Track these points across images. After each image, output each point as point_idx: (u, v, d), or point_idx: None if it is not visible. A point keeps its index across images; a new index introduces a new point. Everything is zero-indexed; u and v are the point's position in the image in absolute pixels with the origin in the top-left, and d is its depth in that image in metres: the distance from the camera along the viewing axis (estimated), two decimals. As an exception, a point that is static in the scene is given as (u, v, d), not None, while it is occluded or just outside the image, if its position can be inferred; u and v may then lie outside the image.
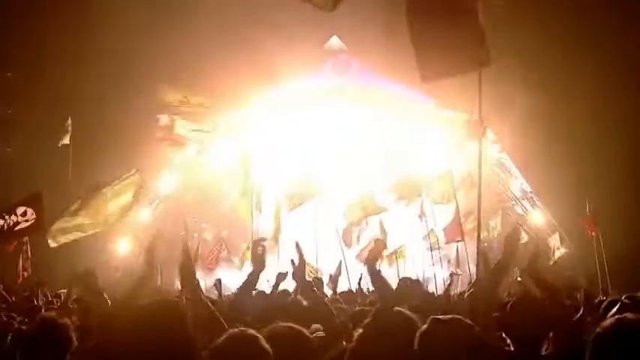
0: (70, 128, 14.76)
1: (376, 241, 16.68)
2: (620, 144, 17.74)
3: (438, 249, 17.97)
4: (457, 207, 16.82)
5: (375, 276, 3.59)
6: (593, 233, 15.84)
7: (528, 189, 23.20)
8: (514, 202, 23.75)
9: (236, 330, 2.56)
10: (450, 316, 2.75)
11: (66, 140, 14.90)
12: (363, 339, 3.23)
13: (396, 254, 17.77)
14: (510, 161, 23.23)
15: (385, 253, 17.96)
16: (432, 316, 2.77)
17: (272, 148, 22.67)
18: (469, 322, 2.76)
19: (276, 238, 17.89)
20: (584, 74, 17.70)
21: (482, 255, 4.22)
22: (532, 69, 18.38)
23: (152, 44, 18.17)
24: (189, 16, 18.81)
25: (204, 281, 20.05)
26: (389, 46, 20.15)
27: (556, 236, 19.36)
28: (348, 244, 17.82)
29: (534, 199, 22.93)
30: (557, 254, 19.24)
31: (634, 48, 17.36)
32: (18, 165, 17.32)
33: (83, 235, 10.61)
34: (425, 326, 2.73)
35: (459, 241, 17.04)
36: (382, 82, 23.52)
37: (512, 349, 3.45)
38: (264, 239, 4.30)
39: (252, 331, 2.54)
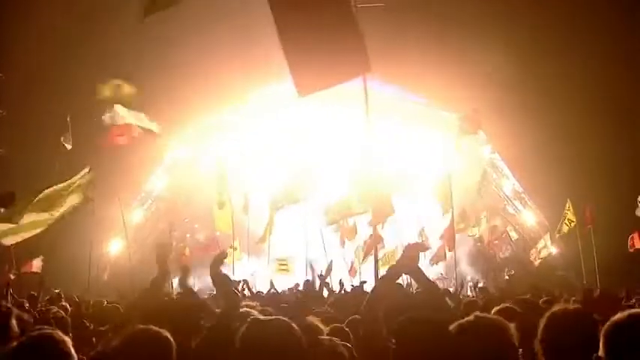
0: (69, 127, 14.47)
1: (371, 235, 16.61)
2: (611, 143, 17.84)
3: (429, 249, 18.05)
4: (452, 213, 16.90)
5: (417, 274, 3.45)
6: (590, 227, 16.07)
7: (520, 189, 23.34)
8: (506, 202, 23.92)
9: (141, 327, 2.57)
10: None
11: (68, 141, 14.55)
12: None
13: (387, 256, 17.88)
14: (502, 162, 23.36)
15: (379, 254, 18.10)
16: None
17: (260, 149, 22.75)
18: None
19: (263, 239, 17.96)
20: (575, 75, 17.79)
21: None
22: (523, 70, 18.46)
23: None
24: (179, 16, 18.72)
25: (194, 280, 20.19)
26: (383, 46, 20.20)
27: (547, 236, 19.50)
28: (342, 243, 17.87)
29: (526, 199, 23.07)
30: (544, 253, 19.40)
31: (627, 48, 17.47)
32: (9, 165, 17.19)
33: (34, 233, 10.56)
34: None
35: (450, 250, 17.17)
36: (374, 83, 23.50)
37: None
38: (170, 243, 4.19)
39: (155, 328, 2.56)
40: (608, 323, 2.30)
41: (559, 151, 18.40)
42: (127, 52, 18.06)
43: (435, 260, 17.41)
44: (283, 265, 17.37)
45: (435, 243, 18.24)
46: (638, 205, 15.59)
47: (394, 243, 18.10)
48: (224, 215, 17.42)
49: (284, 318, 2.55)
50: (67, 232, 15.20)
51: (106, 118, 13.62)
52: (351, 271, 18.25)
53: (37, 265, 14.72)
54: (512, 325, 2.45)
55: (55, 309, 6.43)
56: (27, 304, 8.06)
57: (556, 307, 2.67)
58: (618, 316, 2.31)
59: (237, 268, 17.03)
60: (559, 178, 18.16)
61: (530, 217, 22.51)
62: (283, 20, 4.90)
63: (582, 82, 17.70)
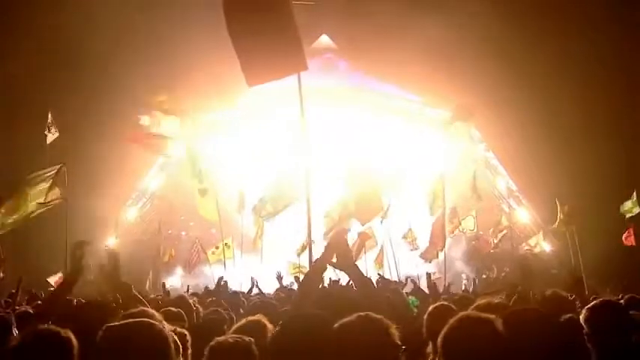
0: (52, 123, 14.36)
1: (361, 233, 16.71)
2: (603, 142, 17.93)
3: (417, 248, 18.17)
4: (444, 211, 16.94)
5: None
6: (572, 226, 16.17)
7: (514, 187, 23.41)
8: (500, 200, 23.99)
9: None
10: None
11: (51, 136, 14.52)
12: None
13: (381, 254, 17.94)
14: (496, 160, 23.44)
15: (373, 250, 18.16)
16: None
17: (254, 150, 22.73)
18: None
19: (255, 242, 17.94)
20: (569, 74, 17.87)
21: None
22: (517, 70, 18.54)
23: (133, 46, 18.08)
24: (172, 16, 18.70)
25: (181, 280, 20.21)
26: (378, 44, 20.26)
27: (540, 234, 19.57)
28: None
29: (520, 197, 23.15)
30: (537, 250, 19.48)
31: (621, 48, 17.56)
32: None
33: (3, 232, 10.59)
34: None
35: (441, 249, 17.22)
36: (369, 82, 23.56)
37: None
38: (86, 242, 4.08)
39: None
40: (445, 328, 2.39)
41: (552, 149, 18.48)
42: (123, 49, 18.07)
43: (428, 258, 17.43)
44: (296, 269, 17.23)
45: (423, 242, 18.35)
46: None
47: (381, 241, 18.23)
48: (207, 203, 17.08)
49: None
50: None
51: (145, 120, 14.00)
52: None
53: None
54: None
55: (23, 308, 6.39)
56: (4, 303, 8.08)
57: (465, 311, 2.75)
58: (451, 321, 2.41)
59: (231, 266, 17.02)
60: (552, 177, 18.24)
61: (524, 215, 22.59)
62: (232, 12, 5.21)
63: (578, 81, 17.79)
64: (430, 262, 17.41)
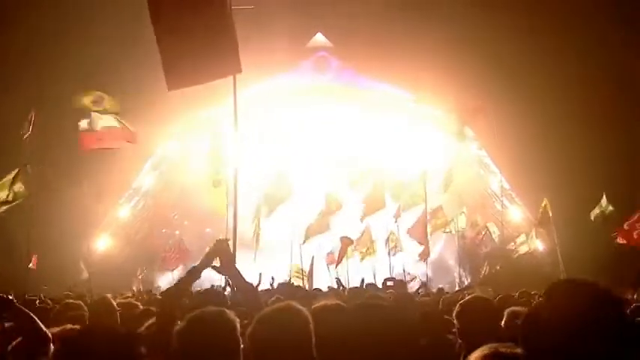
0: (32, 121, 13.85)
1: (342, 238, 16.90)
2: (595, 143, 18.02)
3: (399, 251, 18.25)
4: (425, 209, 17.05)
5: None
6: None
7: (507, 186, 23.46)
8: (493, 199, 24.05)
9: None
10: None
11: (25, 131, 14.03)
12: None
13: (368, 251, 18.03)
14: (489, 158, 23.50)
15: (357, 249, 18.26)
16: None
17: (248, 149, 22.73)
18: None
19: (256, 243, 17.96)
20: (563, 73, 17.94)
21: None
22: (511, 69, 18.60)
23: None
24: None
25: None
26: (374, 43, 20.29)
27: (532, 233, 19.62)
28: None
29: (513, 195, 23.21)
30: (523, 249, 19.57)
31: (614, 48, 17.63)
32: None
33: None
34: None
35: (421, 244, 17.34)
36: (362, 80, 23.60)
37: None
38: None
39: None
40: None
41: (546, 148, 18.57)
42: (117, 46, 18.03)
43: (422, 257, 17.51)
44: (298, 274, 17.29)
45: (406, 242, 18.47)
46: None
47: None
48: (220, 194, 17.17)
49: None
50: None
51: (83, 123, 13.51)
52: (328, 259, 18.26)
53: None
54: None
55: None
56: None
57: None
58: None
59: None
60: (545, 176, 18.32)
61: (516, 214, 22.65)
62: (158, 15, 5.09)
63: (573, 79, 17.87)
64: (425, 261, 17.54)
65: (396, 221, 18.12)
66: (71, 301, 5.02)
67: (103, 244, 20.59)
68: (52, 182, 15.82)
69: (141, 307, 5.21)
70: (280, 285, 11.13)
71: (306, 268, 16.14)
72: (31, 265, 14.41)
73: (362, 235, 18.04)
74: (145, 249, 21.55)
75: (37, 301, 7.25)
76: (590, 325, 1.77)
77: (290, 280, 15.07)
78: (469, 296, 4.00)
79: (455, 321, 3.61)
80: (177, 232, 23.93)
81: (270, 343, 2.37)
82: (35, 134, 13.39)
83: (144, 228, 22.63)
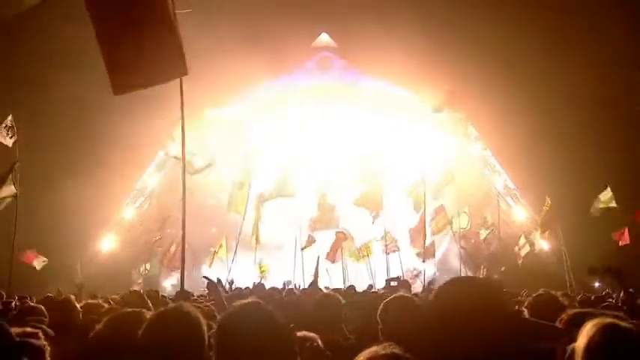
0: (11, 124, 12.82)
1: (338, 233, 16.93)
2: (601, 142, 17.96)
3: (396, 250, 18.22)
4: (424, 213, 17.04)
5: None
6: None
7: (512, 185, 23.40)
8: (498, 198, 23.99)
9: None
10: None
11: (9, 140, 12.91)
12: None
13: (364, 250, 18.03)
14: (494, 158, 23.44)
15: (353, 248, 18.28)
16: None
17: (254, 146, 22.75)
18: None
19: (257, 239, 17.99)
20: (567, 73, 17.89)
21: None
22: (512, 68, 18.56)
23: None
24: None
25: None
26: (379, 44, 20.26)
27: (538, 233, 19.53)
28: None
29: (517, 195, 23.15)
30: (525, 250, 19.49)
31: (613, 47, 17.57)
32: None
33: None
34: None
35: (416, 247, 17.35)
36: (366, 80, 23.58)
37: None
38: None
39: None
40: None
41: (550, 147, 18.51)
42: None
43: (425, 257, 17.48)
44: (263, 270, 17.46)
45: (403, 242, 18.44)
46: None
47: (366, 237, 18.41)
48: (241, 197, 17.31)
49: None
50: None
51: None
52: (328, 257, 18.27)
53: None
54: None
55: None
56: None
57: None
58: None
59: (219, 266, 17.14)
60: (550, 175, 18.26)
61: (521, 213, 22.59)
62: (101, 18, 5.05)
63: (573, 79, 17.81)
64: (424, 261, 17.53)
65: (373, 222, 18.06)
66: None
67: (107, 244, 20.66)
68: (51, 182, 15.94)
69: (106, 306, 5.39)
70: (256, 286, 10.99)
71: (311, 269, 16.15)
72: (34, 262, 14.44)
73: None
74: (149, 249, 21.56)
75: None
76: (469, 322, 1.85)
77: (315, 280, 15.10)
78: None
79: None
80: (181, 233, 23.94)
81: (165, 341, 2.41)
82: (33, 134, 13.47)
83: (148, 229, 22.65)
